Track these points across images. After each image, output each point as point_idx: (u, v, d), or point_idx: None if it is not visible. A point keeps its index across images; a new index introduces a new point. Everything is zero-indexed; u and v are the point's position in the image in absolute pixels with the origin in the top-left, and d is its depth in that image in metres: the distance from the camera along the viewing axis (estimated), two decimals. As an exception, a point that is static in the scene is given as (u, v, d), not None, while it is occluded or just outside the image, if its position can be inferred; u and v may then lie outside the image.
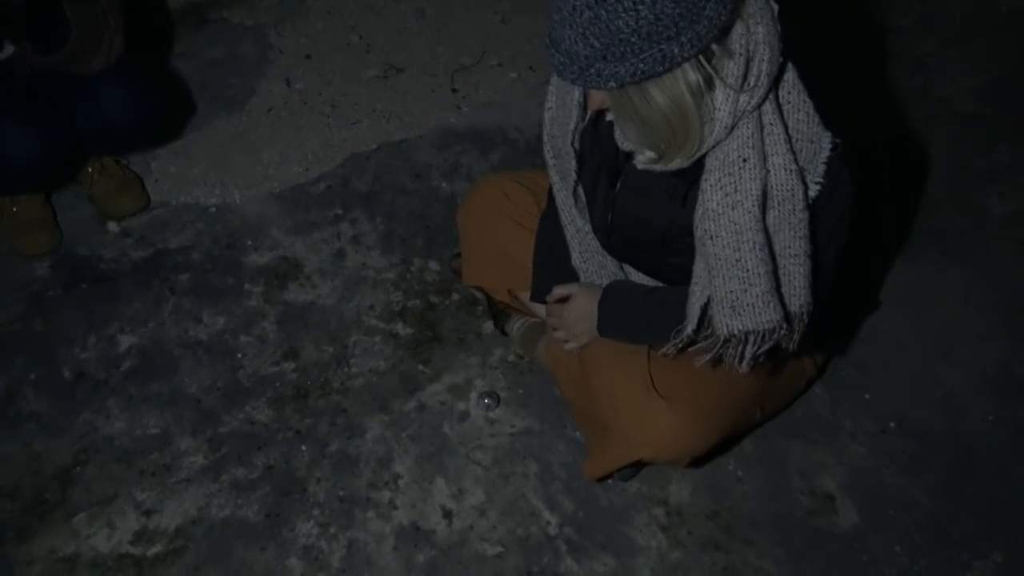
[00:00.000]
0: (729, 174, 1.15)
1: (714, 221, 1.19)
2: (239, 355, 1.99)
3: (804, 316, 1.26)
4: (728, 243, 1.19)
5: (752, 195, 1.15)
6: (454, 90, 2.62)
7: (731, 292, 1.22)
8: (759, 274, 1.20)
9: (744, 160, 1.14)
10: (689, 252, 1.29)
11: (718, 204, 1.17)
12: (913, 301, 2.10)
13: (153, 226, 2.24)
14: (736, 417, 1.52)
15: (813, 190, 1.20)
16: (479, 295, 2.06)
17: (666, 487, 1.80)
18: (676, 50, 1.01)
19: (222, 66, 2.64)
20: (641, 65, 1.02)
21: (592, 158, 1.40)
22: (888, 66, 2.66)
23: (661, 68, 1.03)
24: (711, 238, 1.20)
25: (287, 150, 2.43)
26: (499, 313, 1.97)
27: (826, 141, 1.19)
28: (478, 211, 1.78)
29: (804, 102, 1.17)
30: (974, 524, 1.76)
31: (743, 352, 1.28)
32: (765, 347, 1.26)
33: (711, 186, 1.17)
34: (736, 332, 1.25)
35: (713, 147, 1.15)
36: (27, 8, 1.71)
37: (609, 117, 1.31)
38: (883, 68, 2.65)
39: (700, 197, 1.20)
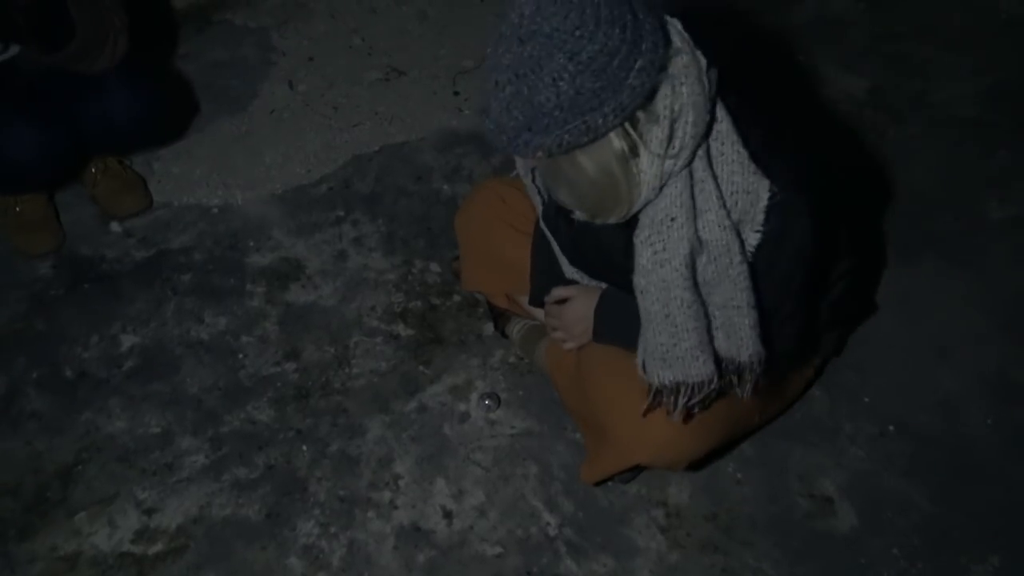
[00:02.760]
0: (658, 232, 1.17)
1: (644, 277, 1.22)
2: (240, 355, 2.00)
3: (755, 365, 1.28)
4: (657, 299, 1.21)
5: (680, 254, 1.17)
6: (456, 93, 2.63)
7: (662, 345, 1.26)
8: (687, 329, 1.23)
9: (672, 219, 1.16)
10: None
11: (647, 261, 1.20)
12: (912, 304, 2.10)
13: (155, 226, 2.25)
14: (733, 423, 1.53)
15: (754, 239, 1.21)
16: (480, 297, 2.06)
17: (665, 489, 1.81)
18: (600, 121, 1.02)
19: (225, 68, 2.66)
20: (566, 136, 1.03)
21: (549, 202, 1.45)
22: (889, 71, 2.67)
23: (586, 139, 1.04)
24: (641, 293, 1.23)
25: (289, 151, 2.44)
26: (499, 316, 1.97)
27: (764, 190, 1.18)
28: (476, 217, 1.79)
29: (738, 153, 1.17)
30: (972, 527, 1.76)
31: (675, 402, 1.30)
32: (698, 398, 1.29)
33: (641, 242, 1.20)
34: (668, 383, 1.29)
35: (643, 206, 1.17)
36: (32, 8, 1.71)
37: None
38: (884, 72, 2.66)
39: (635, 251, 1.22)
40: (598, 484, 1.74)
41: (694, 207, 1.16)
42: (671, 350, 1.25)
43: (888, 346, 2.03)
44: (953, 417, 1.92)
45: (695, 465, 1.57)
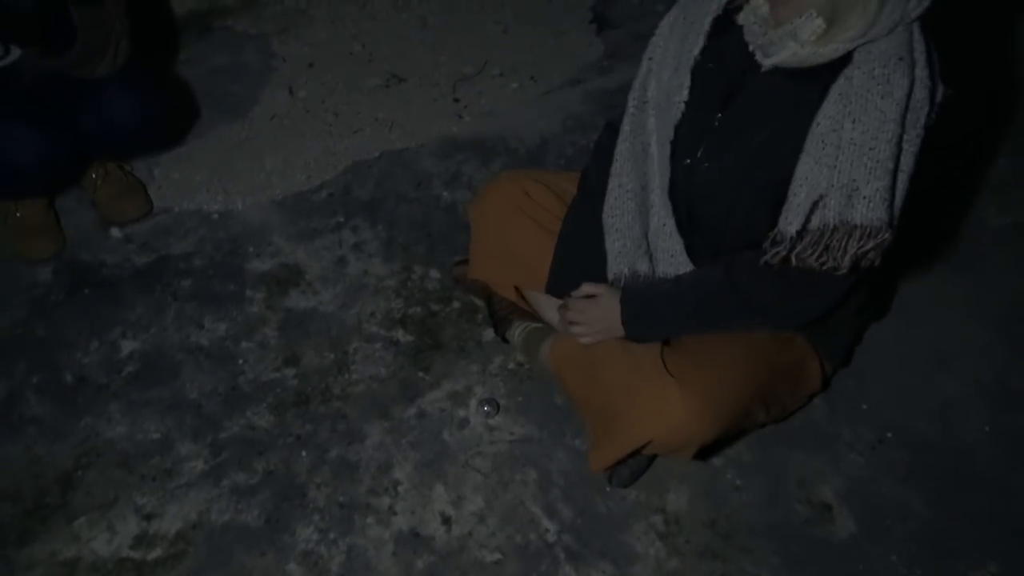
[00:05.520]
0: (884, 66, 1.22)
1: (860, 105, 1.22)
2: (240, 361, 2.00)
3: (887, 230, 1.27)
4: (868, 129, 1.22)
5: (903, 89, 1.21)
6: (456, 99, 2.64)
7: (853, 180, 1.24)
8: (887, 169, 1.23)
9: (900, 59, 1.21)
10: (779, 178, 1.31)
11: (868, 91, 1.22)
12: (911, 311, 2.11)
13: (156, 232, 2.25)
14: (742, 405, 1.52)
15: (930, 118, 1.26)
16: (479, 302, 2.07)
17: (664, 495, 1.81)
18: None
19: (226, 73, 2.66)
20: None
21: (701, 88, 1.42)
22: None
23: None
24: (853, 121, 1.23)
25: (290, 157, 2.45)
26: (500, 320, 1.97)
27: (940, 88, 1.26)
28: (495, 207, 1.79)
29: (932, 46, 1.26)
30: (970, 534, 1.76)
31: (846, 246, 1.27)
32: (868, 246, 1.27)
33: (863, 74, 1.23)
34: (846, 222, 1.26)
35: (867, 43, 1.22)
36: (34, 12, 1.72)
37: (742, 20, 1.35)
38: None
39: (839, 89, 1.24)
40: (607, 470, 1.74)
41: (913, 59, 1.23)
42: (862, 187, 1.24)
43: (887, 353, 2.03)
44: (951, 424, 1.93)
45: (699, 455, 1.57)
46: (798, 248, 1.30)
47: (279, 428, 1.89)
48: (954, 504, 1.80)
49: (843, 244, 1.27)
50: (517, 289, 1.86)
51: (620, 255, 1.57)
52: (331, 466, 1.84)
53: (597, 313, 1.59)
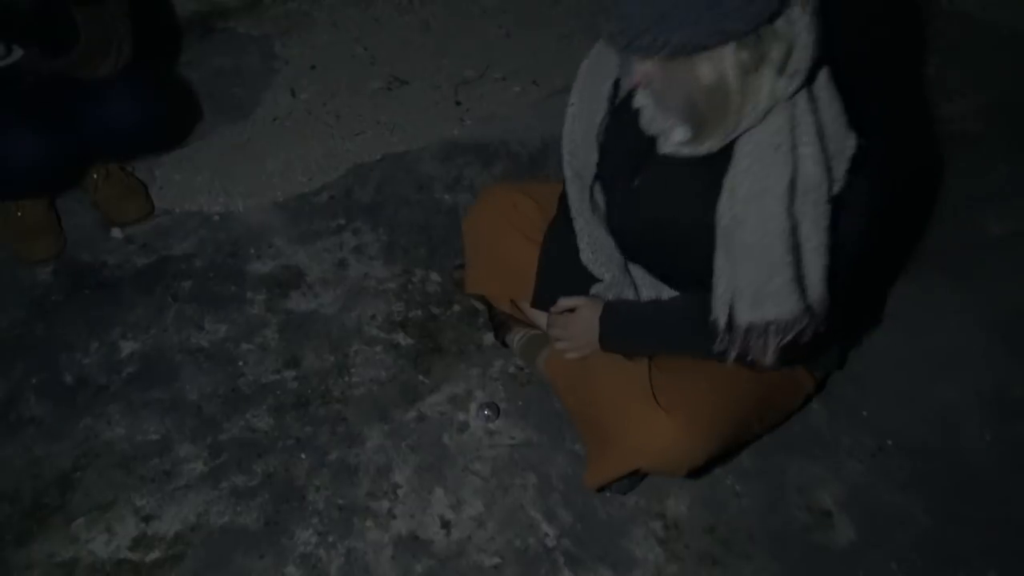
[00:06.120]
0: (760, 160, 1.17)
1: (743, 207, 1.19)
2: (240, 363, 2.00)
3: (818, 310, 1.26)
4: (755, 230, 1.19)
5: (783, 181, 1.16)
6: (458, 103, 2.63)
7: (753, 281, 1.23)
8: (785, 263, 1.20)
9: (776, 147, 1.15)
10: (702, 254, 1.29)
11: (748, 190, 1.18)
12: (911, 319, 2.11)
13: (156, 233, 2.25)
14: (734, 427, 1.53)
15: (835, 187, 1.20)
16: (480, 306, 2.07)
17: (664, 501, 1.81)
18: (732, 25, 1.03)
19: (228, 75, 2.66)
20: (696, 35, 1.04)
21: (613, 153, 1.41)
22: (887, 85, 2.67)
23: (714, 40, 1.05)
24: (739, 224, 1.20)
25: (291, 160, 2.44)
26: (500, 325, 1.97)
27: (851, 141, 1.19)
28: (486, 221, 1.79)
29: (834, 99, 1.18)
30: (970, 542, 1.76)
31: (766, 344, 1.27)
32: (788, 337, 1.26)
33: (742, 172, 1.19)
34: (758, 322, 1.25)
35: (745, 132, 1.17)
36: (36, 12, 1.72)
37: (637, 104, 1.32)
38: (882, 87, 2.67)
39: (728, 184, 1.21)
40: (600, 490, 1.74)
41: (794, 140, 1.17)
42: (763, 286, 1.22)
43: (887, 360, 2.03)
44: (951, 432, 1.93)
45: (695, 472, 1.57)
46: (735, 346, 1.30)
47: (279, 430, 1.89)
48: (954, 511, 1.80)
49: (762, 341, 1.27)
50: (513, 302, 1.86)
51: (608, 287, 1.58)
52: (330, 469, 1.84)
53: (578, 328, 1.58)
